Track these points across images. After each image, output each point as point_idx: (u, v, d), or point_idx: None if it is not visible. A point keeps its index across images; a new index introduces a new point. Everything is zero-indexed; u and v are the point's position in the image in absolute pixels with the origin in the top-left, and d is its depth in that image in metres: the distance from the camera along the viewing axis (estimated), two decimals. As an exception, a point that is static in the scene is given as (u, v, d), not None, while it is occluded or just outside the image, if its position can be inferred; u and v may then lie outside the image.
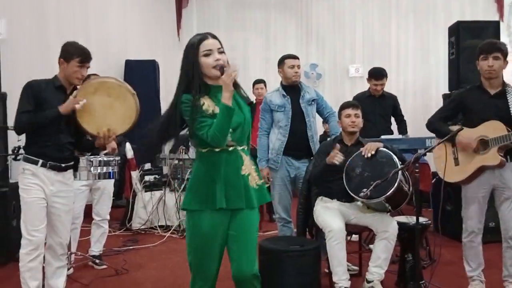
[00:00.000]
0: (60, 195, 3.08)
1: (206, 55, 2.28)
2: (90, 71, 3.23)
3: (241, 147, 2.36)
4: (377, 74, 5.31)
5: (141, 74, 7.50)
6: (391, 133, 5.24)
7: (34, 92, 2.97)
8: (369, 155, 3.43)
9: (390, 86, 8.46)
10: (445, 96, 5.47)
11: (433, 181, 4.94)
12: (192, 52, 2.30)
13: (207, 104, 2.28)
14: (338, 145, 3.49)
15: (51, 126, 2.97)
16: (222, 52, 2.31)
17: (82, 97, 2.97)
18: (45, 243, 3.11)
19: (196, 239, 2.33)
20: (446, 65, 5.51)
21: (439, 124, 3.42)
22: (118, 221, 5.81)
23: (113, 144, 4.24)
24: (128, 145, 5.83)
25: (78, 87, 3.07)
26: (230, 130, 2.25)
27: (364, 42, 8.72)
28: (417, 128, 8.01)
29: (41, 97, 2.96)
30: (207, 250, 2.32)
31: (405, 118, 5.60)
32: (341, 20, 8.79)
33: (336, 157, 3.40)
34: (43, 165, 2.99)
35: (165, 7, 8.71)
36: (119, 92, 3.04)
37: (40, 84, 3.02)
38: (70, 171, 3.18)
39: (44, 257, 3.10)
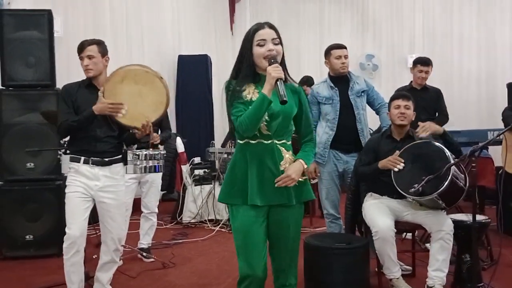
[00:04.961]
0: (108, 189, 3.06)
1: (260, 45, 2.23)
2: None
3: (281, 141, 2.28)
4: (423, 60, 4.98)
5: (194, 69, 7.53)
6: None
7: (67, 94, 3.07)
8: (424, 135, 3.25)
9: (452, 77, 8.08)
10: (509, 86, 5.08)
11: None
12: (247, 40, 2.27)
13: (248, 91, 2.25)
14: (398, 151, 3.27)
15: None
16: (278, 44, 2.24)
17: (110, 87, 2.96)
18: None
19: (235, 234, 2.29)
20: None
21: (509, 114, 3.16)
22: (169, 214, 5.89)
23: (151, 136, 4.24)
24: (178, 139, 5.90)
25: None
26: (266, 119, 2.20)
27: (424, 31, 8.29)
28: (480, 119, 7.63)
29: (75, 99, 3.05)
30: (245, 245, 2.24)
31: (449, 115, 4.96)
32: (399, 8, 8.41)
33: (399, 165, 3.19)
34: (85, 162, 3.02)
35: (218, 1, 8.71)
36: (146, 78, 3.00)
37: (72, 86, 3.12)
38: (118, 165, 3.14)
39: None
